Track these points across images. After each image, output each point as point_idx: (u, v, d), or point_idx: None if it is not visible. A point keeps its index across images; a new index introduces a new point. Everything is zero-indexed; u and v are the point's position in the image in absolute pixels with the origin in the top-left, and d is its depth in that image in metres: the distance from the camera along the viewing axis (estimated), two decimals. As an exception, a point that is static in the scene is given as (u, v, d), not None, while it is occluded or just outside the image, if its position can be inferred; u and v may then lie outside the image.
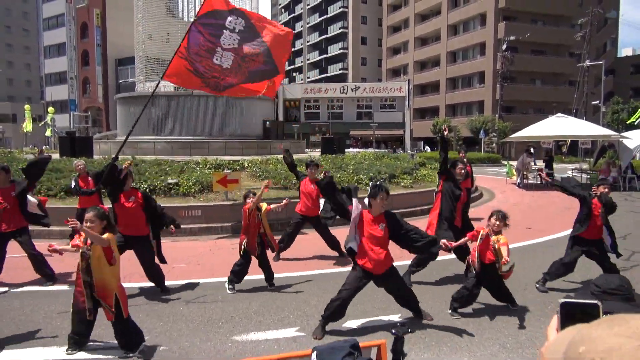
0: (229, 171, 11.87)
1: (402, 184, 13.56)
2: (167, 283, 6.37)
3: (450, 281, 6.73)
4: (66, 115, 55.13)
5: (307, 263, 7.84)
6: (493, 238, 5.19)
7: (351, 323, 5.15)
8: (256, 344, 4.65)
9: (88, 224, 4.16)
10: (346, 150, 23.20)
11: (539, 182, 19.85)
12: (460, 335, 4.80)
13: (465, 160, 12.68)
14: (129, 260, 6.26)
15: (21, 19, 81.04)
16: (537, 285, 6.31)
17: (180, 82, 9.38)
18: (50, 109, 46.11)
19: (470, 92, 53.47)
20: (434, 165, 17.63)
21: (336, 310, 4.82)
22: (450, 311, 5.38)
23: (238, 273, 6.26)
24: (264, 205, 6.45)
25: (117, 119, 22.00)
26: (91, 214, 4.24)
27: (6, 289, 6.37)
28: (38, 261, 6.56)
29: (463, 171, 6.86)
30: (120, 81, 55.64)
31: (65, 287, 6.36)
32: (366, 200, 4.83)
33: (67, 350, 4.39)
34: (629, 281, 2.44)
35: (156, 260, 6.37)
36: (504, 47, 44.25)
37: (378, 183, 4.90)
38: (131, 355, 4.37)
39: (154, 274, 6.26)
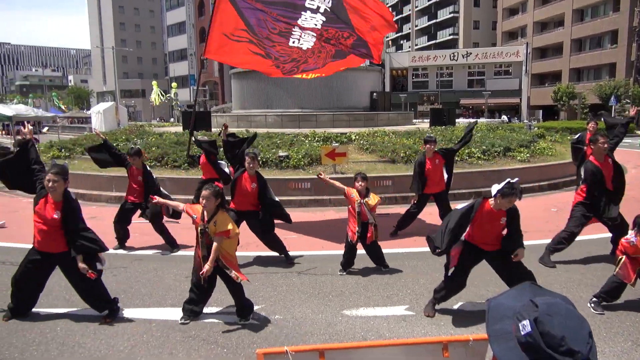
0: (337, 144, 12.00)
1: (518, 157, 12.73)
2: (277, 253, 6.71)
3: (579, 263, 6.25)
4: (187, 89, 59.37)
5: (417, 240, 7.74)
6: None
7: (465, 305, 5.01)
8: (366, 320, 4.72)
9: (204, 202, 4.45)
10: (456, 120, 22.24)
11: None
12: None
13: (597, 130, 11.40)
14: (244, 230, 6.63)
15: (147, 0, 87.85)
16: None
17: (234, 61, 8.52)
18: (174, 84, 49.90)
19: (600, 53, 48.05)
20: (555, 137, 16.28)
21: (448, 291, 4.72)
22: (591, 305, 4.88)
23: (346, 258, 6.13)
24: (375, 199, 5.98)
25: (232, 92, 23.18)
26: (208, 192, 4.45)
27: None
28: (161, 231, 7.24)
29: (606, 145, 6.04)
30: (234, 56, 58.34)
31: (190, 253, 6.95)
32: (494, 190, 4.44)
33: (181, 319, 4.72)
34: None
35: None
36: (644, 0, 38.90)
37: (515, 184, 4.33)
38: (244, 322, 4.68)
39: (274, 244, 6.60)
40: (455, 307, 4.98)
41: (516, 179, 4.41)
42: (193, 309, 4.75)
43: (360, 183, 5.87)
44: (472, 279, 4.90)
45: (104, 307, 4.81)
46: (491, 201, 4.49)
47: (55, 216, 4.55)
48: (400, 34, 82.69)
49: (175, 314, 4.83)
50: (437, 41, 68.53)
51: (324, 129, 14.96)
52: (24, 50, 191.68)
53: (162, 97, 43.45)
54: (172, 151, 12.14)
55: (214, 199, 4.47)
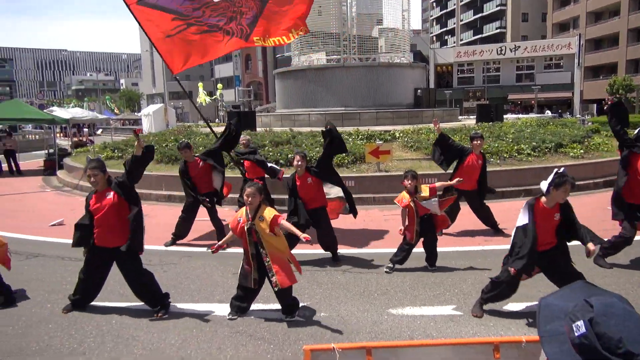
0: (380, 142, 11.90)
1: (571, 154, 12.22)
2: (322, 251, 6.70)
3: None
4: (232, 90, 60.49)
5: (463, 239, 7.58)
6: None
7: (512, 306, 4.86)
8: (412, 319, 4.66)
9: (249, 199, 4.51)
10: (504, 116, 21.62)
11: None
12: None
13: None
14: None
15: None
16: None
17: (200, 58, 7.59)
18: (219, 85, 50.97)
19: (660, 43, 45.36)
20: (611, 132, 15.51)
21: (499, 293, 4.58)
22: None
23: (400, 257, 6.03)
24: (425, 189, 5.89)
25: (276, 92, 23.45)
26: (251, 189, 4.54)
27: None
28: (218, 227, 7.41)
29: None
30: (278, 55, 58.87)
31: (239, 250, 7.08)
32: (543, 186, 4.35)
33: (228, 315, 4.82)
34: None
35: None
36: None
37: (563, 172, 4.23)
38: (289, 319, 4.72)
39: (330, 242, 6.57)
40: (504, 307, 4.84)
41: (562, 168, 4.26)
42: (240, 305, 4.83)
43: (409, 182, 5.81)
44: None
45: (157, 302, 4.98)
46: (543, 199, 4.34)
47: (109, 196, 4.79)
48: (444, 29, 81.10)
49: (223, 309, 4.94)
50: (483, 35, 66.75)
51: (368, 126, 14.90)
52: (80, 56, 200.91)
53: (207, 98, 44.56)
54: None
55: (258, 195, 4.56)
